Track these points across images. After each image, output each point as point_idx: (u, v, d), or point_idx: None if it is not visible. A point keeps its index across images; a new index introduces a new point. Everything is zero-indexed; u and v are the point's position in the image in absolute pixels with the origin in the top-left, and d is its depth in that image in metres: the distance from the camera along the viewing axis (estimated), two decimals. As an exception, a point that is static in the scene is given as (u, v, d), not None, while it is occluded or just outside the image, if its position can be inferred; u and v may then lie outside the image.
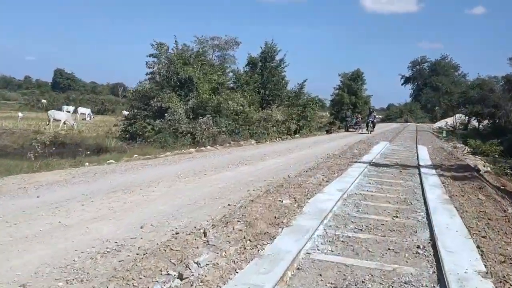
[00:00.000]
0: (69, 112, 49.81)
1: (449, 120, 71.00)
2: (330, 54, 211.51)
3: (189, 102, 25.84)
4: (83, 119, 46.69)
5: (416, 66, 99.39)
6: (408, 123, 72.06)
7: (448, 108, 63.18)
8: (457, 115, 65.19)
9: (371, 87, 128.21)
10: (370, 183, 10.15)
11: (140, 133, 24.93)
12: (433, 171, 12.39)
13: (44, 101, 59.89)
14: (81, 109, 48.93)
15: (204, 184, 9.99)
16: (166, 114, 25.10)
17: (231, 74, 33.74)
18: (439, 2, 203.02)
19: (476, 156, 22.37)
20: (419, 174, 11.77)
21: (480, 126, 51.23)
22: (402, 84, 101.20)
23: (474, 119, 53.57)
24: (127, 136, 25.75)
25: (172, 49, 28.14)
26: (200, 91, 26.22)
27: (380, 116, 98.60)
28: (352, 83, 74.13)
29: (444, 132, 48.82)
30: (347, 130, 40.23)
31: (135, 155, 16.80)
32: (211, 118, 24.30)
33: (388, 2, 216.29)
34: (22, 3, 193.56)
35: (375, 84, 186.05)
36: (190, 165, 13.39)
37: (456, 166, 13.91)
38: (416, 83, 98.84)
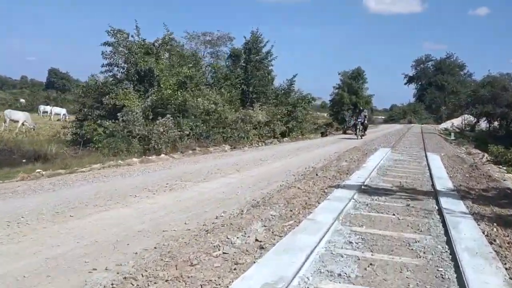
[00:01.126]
0: (46, 112, 45.26)
1: (455, 121, 65.98)
2: (332, 54, 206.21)
3: (148, 99, 20.97)
4: (58, 120, 42.01)
5: (420, 65, 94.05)
6: (412, 124, 66.91)
7: (455, 108, 57.99)
8: (463, 116, 60.17)
9: (374, 88, 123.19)
10: (350, 245, 5.16)
11: (89, 136, 20.21)
12: (461, 206, 7.36)
13: (22, 100, 55.25)
14: (55, 109, 44.40)
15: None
16: (118, 114, 20.30)
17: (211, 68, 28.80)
18: (443, 3, 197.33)
19: (501, 166, 17.32)
20: (440, 213, 6.80)
21: (490, 127, 46.20)
22: (405, 84, 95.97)
23: (484, 120, 48.45)
24: (77, 140, 20.95)
25: (132, 36, 23.26)
26: (162, 85, 21.33)
27: (383, 117, 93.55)
28: (352, 82, 69.09)
29: (452, 134, 43.73)
30: (344, 132, 35.28)
31: (38, 170, 11.92)
32: (172, 118, 19.40)
33: (391, 3, 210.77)
34: (23, 1, 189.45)
35: (378, 85, 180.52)
36: (86, 190, 8.53)
37: (495, 193, 8.90)
38: (420, 83, 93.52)
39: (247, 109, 25.33)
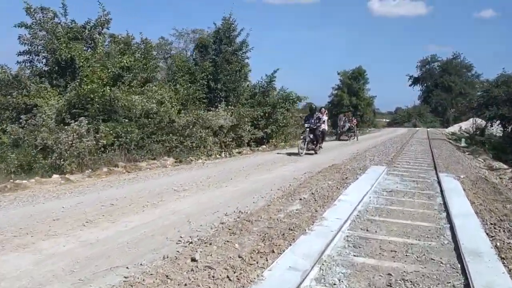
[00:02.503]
0: None
1: (463, 125, 59.96)
2: (335, 56, 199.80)
3: (65, 96, 15.48)
4: None
5: (425, 66, 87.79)
6: (417, 128, 60.90)
7: (465, 111, 52.07)
8: (471, 119, 54.26)
9: (378, 91, 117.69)
10: None
11: (-12, 146, 15.01)
12: None
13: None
14: None
15: None
16: (22, 117, 14.98)
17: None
18: (448, 5, 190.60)
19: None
20: None
21: (505, 132, 40.18)
22: (410, 85, 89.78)
23: (498, 124, 42.45)
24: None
25: (57, 16, 17.84)
26: (85, 79, 15.80)
27: (387, 120, 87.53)
28: (352, 82, 63.20)
29: (463, 140, 37.81)
30: (338, 139, 29.54)
31: None
32: (87, 122, 13.84)
33: (396, 5, 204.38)
34: None
35: (382, 88, 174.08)
36: None
37: None
38: (425, 84, 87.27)
39: (215, 111, 19.71)
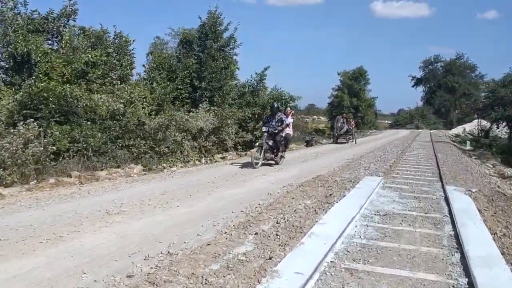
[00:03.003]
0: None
1: (467, 126, 57.78)
2: (337, 58, 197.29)
3: (17, 95, 13.48)
4: None
5: (428, 66, 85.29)
6: (420, 130, 58.63)
7: (469, 112, 49.89)
8: (475, 121, 52.06)
9: (381, 92, 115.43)
10: None
11: None
12: None
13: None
14: None
15: None
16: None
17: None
18: (451, 7, 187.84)
19: None
20: None
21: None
22: (413, 86, 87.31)
23: (504, 126, 40.24)
24: None
25: (16, 7, 15.90)
26: (40, 76, 13.80)
27: (389, 122, 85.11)
28: (353, 83, 60.96)
29: (468, 143, 35.59)
30: (336, 142, 27.41)
31: None
32: (37, 125, 11.81)
33: (399, 7, 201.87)
34: None
35: (385, 90, 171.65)
36: None
37: None
38: (428, 85, 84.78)
39: (195, 112, 17.68)
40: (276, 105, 14.42)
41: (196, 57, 21.21)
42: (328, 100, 63.73)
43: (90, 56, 15.13)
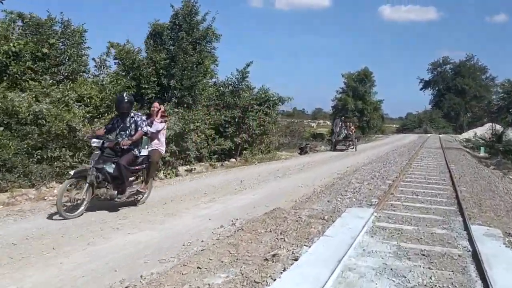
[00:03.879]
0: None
1: (479, 131, 53.70)
2: (344, 62, 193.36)
3: None
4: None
5: (437, 68, 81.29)
6: (428, 135, 54.77)
7: (483, 115, 46.02)
8: (487, 124, 48.17)
9: (390, 97, 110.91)
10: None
11: None
12: None
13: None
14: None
15: None
16: None
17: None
18: (459, 11, 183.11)
19: None
20: None
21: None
22: (421, 89, 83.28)
23: (520, 130, 36.49)
24: None
25: None
26: None
27: (397, 126, 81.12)
28: (358, 85, 57.28)
29: (482, 149, 31.82)
30: (334, 148, 23.91)
31: None
32: None
33: (407, 11, 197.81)
34: None
35: (393, 94, 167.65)
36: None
37: None
38: (437, 88, 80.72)
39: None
40: (126, 97, 7.17)
41: (166, 52, 17.82)
42: (332, 104, 60.19)
43: (12, 45, 11.83)
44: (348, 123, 24.65)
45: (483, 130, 50.90)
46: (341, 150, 23.87)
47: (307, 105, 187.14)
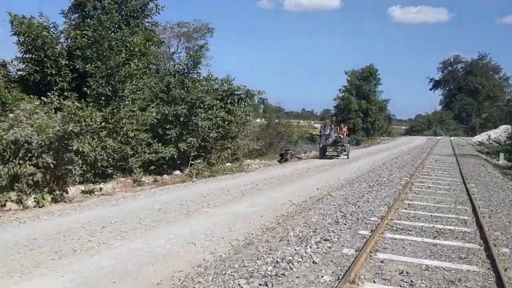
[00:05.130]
0: None
1: (492, 133, 47.89)
2: (353, 63, 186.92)
3: None
4: None
5: (447, 67, 75.21)
6: (438, 137, 49.24)
7: (501, 116, 40.50)
8: (502, 126, 42.65)
9: (399, 98, 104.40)
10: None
11: None
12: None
13: None
14: None
15: None
16: None
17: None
18: (471, 12, 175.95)
19: None
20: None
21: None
22: (430, 89, 77.24)
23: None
24: None
25: None
26: None
27: (406, 127, 75.06)
28: (362, 83, 51.85)
29: (502, 155, 26.40)
30: (322, 155, 18.89)
31: None
32: None
33: (417, 12, 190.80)
34: None
35: (402, 96, 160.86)
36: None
37: None
38: (447, 88, 74.70)
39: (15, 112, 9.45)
40: None
41: (88, 28, 13.01)
42: (334, 103, 54.73)
43: None
44: (339, 125, 19.49)
45: (498, 133, 45.14)
46: (333, 156, 18.91)
47: (316, 106, 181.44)
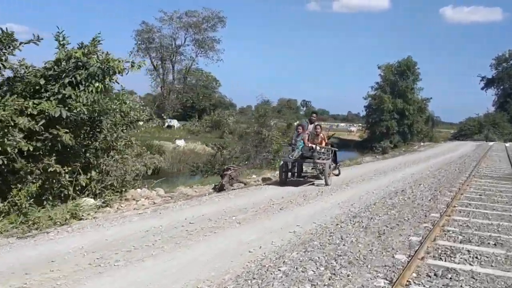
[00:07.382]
0: None
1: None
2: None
3: None
4: None
5: (502, 64, 63.96)
6: (491, 143, 39.20)
7: None
8: None
9: (450, 101, 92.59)
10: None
11: None
12: None
13: None
14: None
15: None
16: None
17: None
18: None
19: None
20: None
21: None
22: (482, 89, 66.18)
23: None
24: None
25: None
26: None
27: (454, 131, 64.06)
28: (398, 79, 42.71)
29: None
30: (285, 179, 10.95)
31: None
32: None
33: (470, 12, 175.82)
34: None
35: (453, 98, 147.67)
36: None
37: None
38: (502, 86, 63.55)
39: None
40: None
41: None
42: (364, 103, 45.75)
43: None
44: (315, 126, 11.29)
45: None
46: (309, 181, 11.07)
47: (357, 108, 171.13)
